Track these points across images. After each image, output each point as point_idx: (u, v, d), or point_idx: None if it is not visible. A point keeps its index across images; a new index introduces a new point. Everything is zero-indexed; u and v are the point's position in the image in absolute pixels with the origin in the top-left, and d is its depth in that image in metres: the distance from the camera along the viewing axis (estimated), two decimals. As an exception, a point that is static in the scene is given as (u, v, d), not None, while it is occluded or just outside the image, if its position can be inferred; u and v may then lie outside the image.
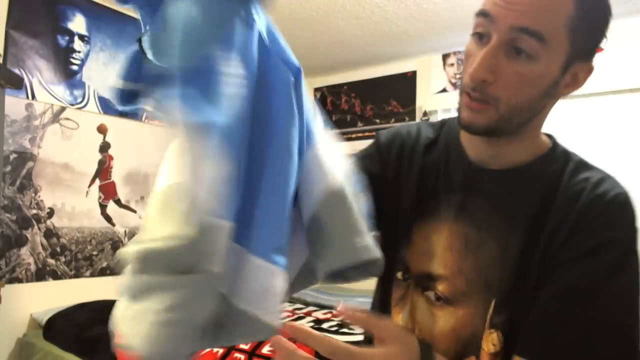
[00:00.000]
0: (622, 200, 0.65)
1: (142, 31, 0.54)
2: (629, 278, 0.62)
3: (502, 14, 0.60)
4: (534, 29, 0.60)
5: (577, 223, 0.64)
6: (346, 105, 3.86)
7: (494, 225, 0.70)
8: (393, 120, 3.57)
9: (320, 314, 2.60)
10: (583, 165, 0.72)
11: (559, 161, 0.72)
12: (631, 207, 0.65)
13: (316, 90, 4.06)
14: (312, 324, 2.37)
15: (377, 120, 3.66)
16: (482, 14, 0.63)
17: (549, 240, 0.66)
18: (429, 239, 0.75)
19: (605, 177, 0.68)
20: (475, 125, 0.65)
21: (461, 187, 0.74)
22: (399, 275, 0.78)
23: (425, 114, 3.35)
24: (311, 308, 2.79)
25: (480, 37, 0.64)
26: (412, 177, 0.78)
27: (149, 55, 0.51)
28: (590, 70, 0.69)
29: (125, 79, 0.54)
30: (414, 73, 3.48)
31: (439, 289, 0.73)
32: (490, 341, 0.68)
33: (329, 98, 3.96)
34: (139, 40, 0.53)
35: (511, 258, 0.68)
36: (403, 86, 3.53)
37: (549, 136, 0.77)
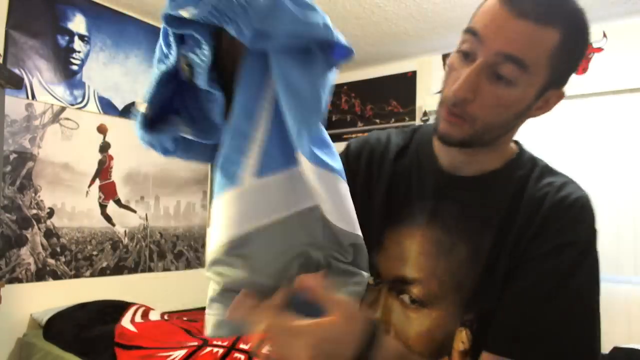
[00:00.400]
0: (583, 204, 0.70)
1: (181, 51, 0.53)
2: (588, 276, 0.66)
3: (491, 38, 0.63)
4: (519, 57, 0.62)
5: (542, 225, 0.68)
6: (346, 105, 3.86)
7: (465, 230, 0.74)
8: (393, 120, 3.57)
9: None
10: (548, 170, 0.76)
11: (525, 167, 0.76)
12: (591, 210, 0.70)
13: (316, 90, 4.05)
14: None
15: (377, 120, 3.66)
16: (472, 32, 0.65)
17: (516, 240, 0.69)
18: (403, 244, 0.78)
19: (567, 182, 0.73)
20: (451, 137, 0.69)
21: (433, 194, 0.77)
22: (370, 280, 0.81)
23: (425, 114, 3.35)
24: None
25: (465, 55, 0.66)
26: (381, 185, 0.81)
27: (200, 82, 0.52)
28: (561, 96, 0.72)
29: (155, 102, 0.55)
30: (414, 73, 3.48)
31: (413, 292, 0.76)
32: (460, 339, 0.72)
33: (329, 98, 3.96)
34: (181, 61, 0.54)
35: (481, 260, 0.71)
36: (403, 86, 3.52)
37: (516, 142, 0.80)
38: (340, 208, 0.57)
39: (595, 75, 2.83)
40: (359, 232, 0.60)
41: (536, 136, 2.96)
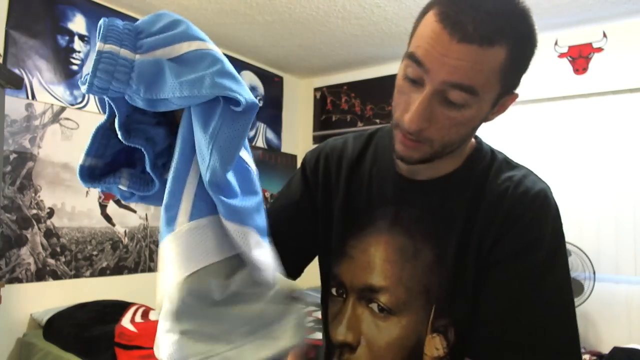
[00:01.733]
0: (544, 196, 0.68)
1: (112, 112, 0.58)
2: (559, 275, 0.66)
3: (436, 67, 0.60)
4: (466, 85, 0.60)
5: (505, 222, 0.68)
6: (346, 105, 3.86)
7: (428, 234, 0.73)
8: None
9: (320, 314, 2.59)
10: (507, 163, 0.75)
11: (484, 160, 0.75)
12: (552, 202, 0.69)
13: (316, 90, 4.06)
14: (312, 324, 2.37)
15: (377, 120, 3.66)
16: (415, 60, 0.62)
17: (480, 239, 0.69)
18: (368, 252, 0.77)
19: (526, 174, 0.72)
20: (411, 158, 0.68)
21: (393, 199, 0.76)
22: (334, 291, 0.81)
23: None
24: (311, 308, 2.78)
25: (412, 81, 0.63)
26: (340, 194, 0.81)
27: (121, 136, 0.56)
28: (515, 97, 0.69)
29: (93, 155, 0.61)
30: (414, 73, 3.48)
31: (381, 301, 0.75)
32: (433, 345, 0.71)
33: (329, 98, 3.96)
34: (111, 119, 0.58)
35: (447, 263, 0.71)
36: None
37: (475, 137, 0.78)
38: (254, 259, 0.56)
39: (595, 75, 2.83)
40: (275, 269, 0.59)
41: (536, 136, 2.96)
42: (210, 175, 0.51)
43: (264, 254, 0.56)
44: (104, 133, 0.59)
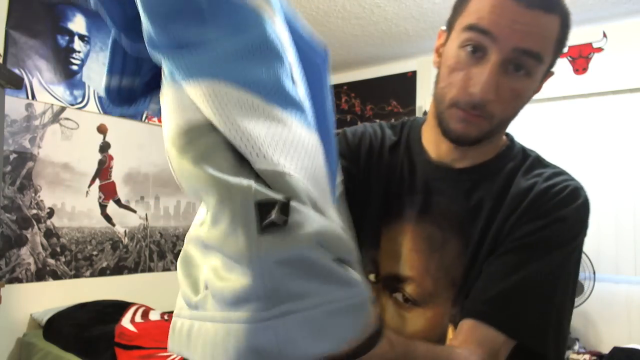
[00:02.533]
0: (574, 189, 0.68)
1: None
2: (574, 254, 0.66)
3: (506, 34, 0.61)
4: (535, 51, 0.62)
5: (527, 210, 0.67)
6: (346, 105, 3.86)
7: (455, 223, 0.72)
8: (393, 120, 3.57)
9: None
10: (539, 162, 0.75)
11: (516, 158, 0.74)
12: (583, 196, 0.69)
13: (316, 90, 4.05)
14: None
15: (377, 121, 3.66)
16: (481, 31, 0.62)
17: (499, 227, 0.68)
18: (395, 241, 0.76)
19: (558, 172, 0.72)
20: (467, 136, 0.67)
21: (423, 188, 0.75)
22: (372, 277, 0.79)
23: (425, 113, 3.34)
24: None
25: (473, 50, 0.64)
26: (380, 178, 0.79)
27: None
28: (551, 75, 0.72)
29: (116, 73, 0.47)
30: (414, 73, 3.48)
31: (407, 291, 0.73)
32: (449, 337, 0.70)
33: (329, 98, 3.96)
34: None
35: (470, 253, 0.70)
36: (403, 86, 3.52)
37: (507, 134, 0.79)
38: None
39: (595, 75, 2.83)
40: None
41: (536, 136, 2.96)
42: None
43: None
44: (120, 47, 0.47)
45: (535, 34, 0.61)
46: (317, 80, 0.46)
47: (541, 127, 2.95)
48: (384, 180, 0.79)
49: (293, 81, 0.40)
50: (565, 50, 0.70)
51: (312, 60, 0.46)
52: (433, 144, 0.76)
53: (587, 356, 2.42)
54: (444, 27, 0.73)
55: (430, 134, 0.77)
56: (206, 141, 0.38)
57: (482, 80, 0.62)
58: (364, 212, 0.78)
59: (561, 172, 0.72)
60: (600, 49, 2.83)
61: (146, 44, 0.38)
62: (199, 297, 0.38)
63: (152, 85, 0.49)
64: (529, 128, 2.98)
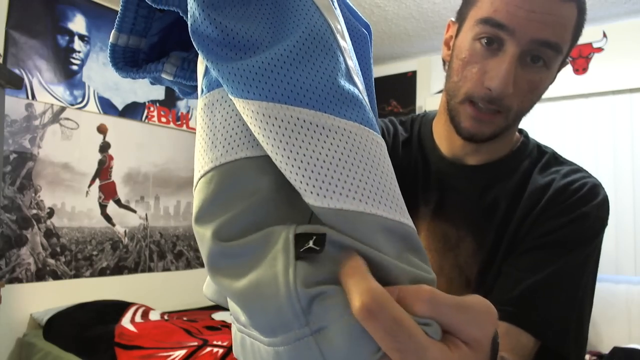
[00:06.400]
0: (591, 187, 0.66)
1: None
2: (593, 254, 0.65)
3: (523, 26, 0.59)
4: (554, 42, 0.60)
5: (546, 208, 0.65)
6: (346, 105, 3.85)
7: (470, 221, 0.70)
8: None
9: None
10: (555, 159, 0.73)
11: (532, 155, 0.73)
12: (602, 193, 0.67)
13: (316, 90, 4.05)
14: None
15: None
16: (496, 24, 0.60)
17: (517, 226, 0.67)
18: None
19: (576, 169, 0.70)
20: (481, 134, 0.65)
21: (437, 185, 0.73)
22: None
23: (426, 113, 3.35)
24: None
25: (489, 42, 0.62)
26: (395, 174, 0.77)
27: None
28: (565, 65, 0.70)
29: (129, 31, 0.41)
30: (414, 73, 3.48)
31: None
32: None
33: (329, 98, 3.96)
34: None
35: (485, 252, 0.68)
36: (403, 86, 3.52)
37: (520, 131, 0.77)
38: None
39: (595, 75, 2.83)
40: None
41: (536, 136, 2.96)
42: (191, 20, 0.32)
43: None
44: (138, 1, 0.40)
45: (553, 24, 0.59)
46: (365, 54, 0.41)
47: (541, 127, 2.95)
48: (398, 176, 0.76)
49: (348, 72, 0.34)
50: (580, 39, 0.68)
51: (360, 32, 0.41)
52: (446, 139, 0.74)
53: (587, 356, 2.42)
54: (453, 19, 0.71)
55: (442, 129, 0.74)
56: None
57: (500, 74, 0.60)
58: None
59: (579, 169, 0.70)
60: (600, 49, 2.83)
61: (190, 32, 0.32)
62: (243, 319, 0.34)
63: (157, 49, 0.44)
64: (529, 128, 2.98)
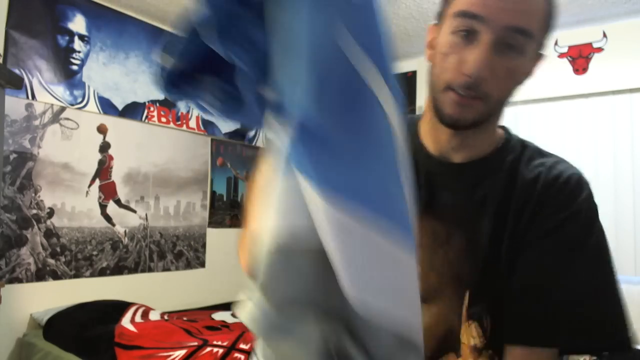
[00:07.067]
0: (577, 179, 0.70)
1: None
2: (599, 242, 0.68)
3: (495, 14, 0.63)
4: (525, 28, 0.64)
5: (539, 204, 0.68)
6: (346, 105, 3.86)
7: (460, 218, 0.72)
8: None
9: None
10: (539, 152, 0.76)
11: (516, 150, 0.75)
12: (587, 184, 0.70)
13: (316, 90, 4.05)
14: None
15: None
16: (470, 16, 0.64)
17: (515, 222, 0.69)
18: None
19: (559, 161, 0.73)
20: (464, 120, 0.68)
21: (425, 183, 0.75)
22: None
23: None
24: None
25: (466, 34, 0.65)
26: None
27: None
28: (541, 58, 0.72)
29: (176, 54, 0.42)
30: (414, 73, 3.48)
31: None
32: (470, 334, 0.70)
33: (329, 98, 3.96)
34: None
35: (479, 248, 0.70)
36: (403, 86, 3.52)
37: (503, 127, 0.79)
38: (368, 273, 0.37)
39: (595, 75, 2.83)
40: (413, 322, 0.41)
41: (536, 136, 2.96)
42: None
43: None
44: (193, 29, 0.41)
45: (523, 11, 0.63)
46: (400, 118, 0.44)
47: (541, 127, 2.95)
48: None
49: (400, 181, 0.39)
50: (555, 30, 0.70)
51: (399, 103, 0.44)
52: (431, 137, 0.76)
53: (587, 356, 2.42)
54: (431, 24, 0.75)
55: (427, 126, 0.77)
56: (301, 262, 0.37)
57: (475, 60, 0.63)
58: None
59: (562, 161, 0.73)
60: (600, 49, 2.83)
61: (277, 103, 0.35)
62: None
63: (196, 68, 0.44)
64: (530, 128, 2.98)
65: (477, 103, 0.66)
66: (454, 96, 0.66)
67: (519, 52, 0.65)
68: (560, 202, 0.68)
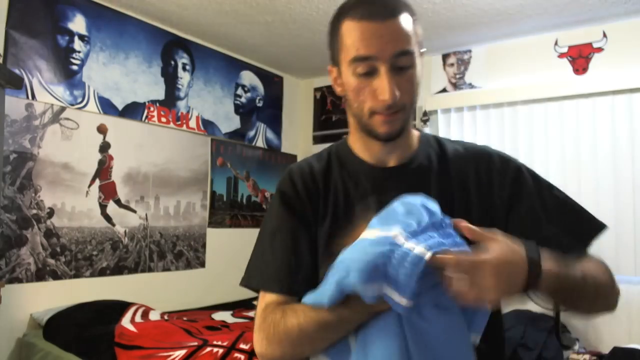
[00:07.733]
0: (488, 147, 0.92)
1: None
2: (536, 174, 0.87)
3: (381, 50, 0.76)
4: (406, 49, 0.78)
5: (487, 174, 0.86)
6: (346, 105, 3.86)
7: None
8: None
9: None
10: (449, 140, 0.93)
11: (432, 142, 0.91)
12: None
13: (316, 90, 4.05)
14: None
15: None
16: (363, 59, 0.77)
17: (467, 199, 0.84)
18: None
19: (466, 142, 0.94)
20: (395, 131, 0.82)
21: (372, 189, 0.85)
22: None
23: (425, 114, 3.35)
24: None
25: (366, 75, 0.78)
26: (320, 204, 0.87)
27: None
28: (423, 53, 0.86)
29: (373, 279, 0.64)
30: (414, 73, 3.48)
31: None
32: None
33: (329, 98, 3.96)
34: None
35: None
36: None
37: (417, 129, 0.94)
38: None
39: (595, 75, 2.83)
40: None
41: (536, 136, 2.96)
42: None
43: None
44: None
45: (399, 38, 0.77)
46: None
47: (541, 127, 2.95)
48: (324, 202, 0.87)
49: None
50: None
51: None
52: (366, 150, 0.88)
53: (587, 356, 2.42)
54: (329, 66, 0.87)
55: (359, 143, 0.89)
56: None
57: (385, 87, 0.77)
58: (318, 239, 0.85)
59: (467, 142, 0.93)
60: (600, 49, 2.83)
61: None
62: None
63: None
64: (530, 128, 2.98)
65: (399, 115, 0.80)
66: (381, 117, 0.80)
67: (410, 66, 0.79)
68: (501, 166, 0.86)
